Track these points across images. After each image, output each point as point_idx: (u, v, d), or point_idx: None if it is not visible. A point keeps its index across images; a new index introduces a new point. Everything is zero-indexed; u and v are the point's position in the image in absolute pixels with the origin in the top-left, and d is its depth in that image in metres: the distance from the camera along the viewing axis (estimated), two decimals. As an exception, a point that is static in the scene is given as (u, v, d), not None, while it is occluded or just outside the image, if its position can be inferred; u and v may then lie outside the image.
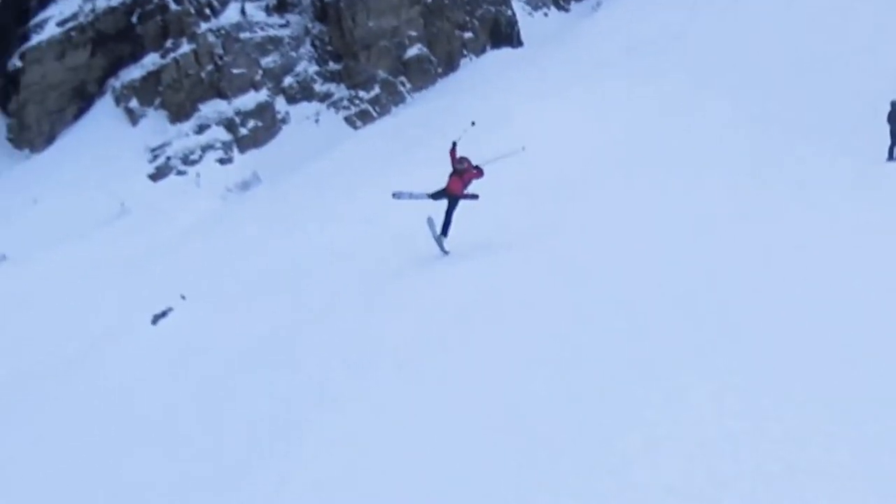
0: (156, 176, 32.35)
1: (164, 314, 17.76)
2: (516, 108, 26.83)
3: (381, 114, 36.43)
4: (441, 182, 16.40)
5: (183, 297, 18.34)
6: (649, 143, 23.13)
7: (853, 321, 9.60)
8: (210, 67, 35.24)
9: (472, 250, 15.98)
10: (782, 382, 8.22)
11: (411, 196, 16.87)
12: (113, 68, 35.69)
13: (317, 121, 36.06)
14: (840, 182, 17.89)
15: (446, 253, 16.38)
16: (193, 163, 33.07)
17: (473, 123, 17.32)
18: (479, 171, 16.45)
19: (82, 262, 23.08)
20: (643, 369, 8.95)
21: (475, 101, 28.93)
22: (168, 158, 32.93)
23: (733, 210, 15.98)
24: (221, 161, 33.53)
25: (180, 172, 32.58)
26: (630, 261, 13.16)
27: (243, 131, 34.60)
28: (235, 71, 35.49)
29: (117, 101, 34.73)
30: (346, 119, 36.53)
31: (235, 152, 34.09)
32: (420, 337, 11.92)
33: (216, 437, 11.16)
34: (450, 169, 16.39)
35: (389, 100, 37.53)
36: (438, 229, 16.43)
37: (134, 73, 35.14)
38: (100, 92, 35.36)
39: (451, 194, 16.50)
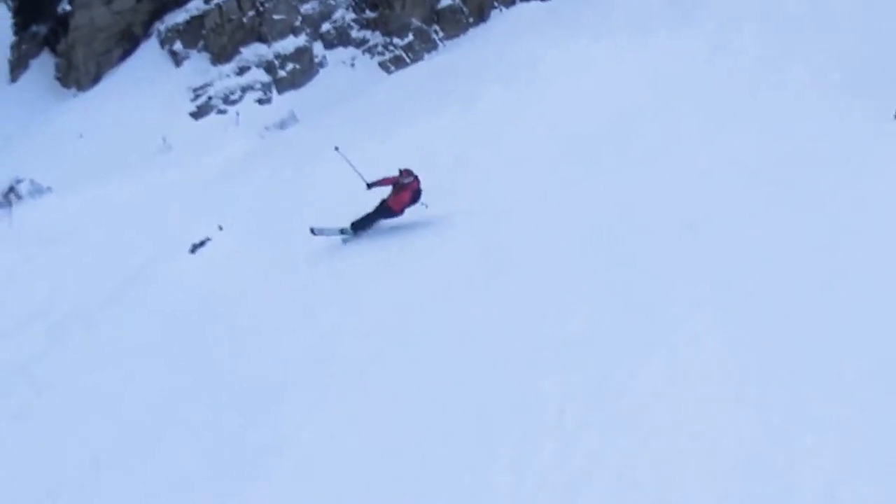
0: (197, 114, 31.35)
1: (202, 244, 17.10)
2: (540, 61, 25.51)
3: (414, 60, 35.08)
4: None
5: (220, 228, 17.58)
6: (686, 105, 21.39)
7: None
8: (251, 13, 34.02)
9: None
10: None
11: (331, 233, 15.18)
12: (158, 13, 34.50)
13: (352, 65, 34.89)
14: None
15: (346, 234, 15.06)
16: (234, 102, 32.05)
17: (337, 148, 15.57)
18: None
19: (125, 194, 22.29)
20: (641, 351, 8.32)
21: (502, 51, 27.93)
22: (209, 98, 31.89)
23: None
24: (260, 101, 32.46)
25: (221, 111, 31.59)
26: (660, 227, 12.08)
27: (282, 73, 33.46)
28: (276, 17, 34.20)
29: (162, 43, 33.67)
30: (381, 64, 35.26)
31: (274, 93, 33.01)
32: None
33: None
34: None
35: (422, 47, 36.17)
36: (352, 230, 14.96)
37: (178, 17, 33.91)
38: (145, 35, 34.30)
39: (390, 211, 14.79)
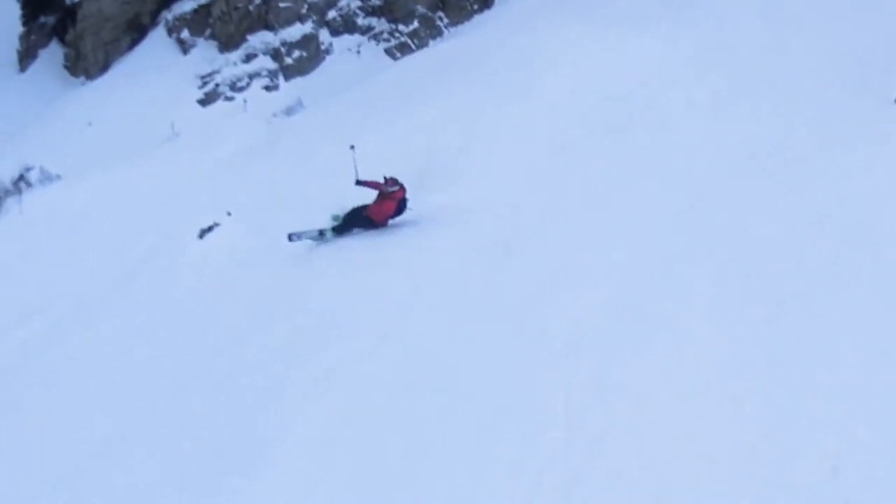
0: (205, 101, 31.18)
1: (210, 229, 17.05)
2: (541, 52, 25.25)
3: (420, 46, 34.76)
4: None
5: (229, 214, 17.49)
6: (683, 100, 21.07)
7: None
8: (258, 1, 33.78)
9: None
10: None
11: (309, 236, 14.59)
12: (165, 2, 34.47)
13: (358, 52, 34.60)
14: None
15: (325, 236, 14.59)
16: (241, 89, 31.81)
17: (352, 147, 14.68)
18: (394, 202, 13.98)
19: (134, 181, 22.22)
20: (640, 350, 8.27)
21: (504, 39, 27.66)
22: (217, 85, 31.72)
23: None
24: (267, 88, 32.21)
25: (228, 98, 31.39)
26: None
27: (289, 60, 33.21)
28: (282, 5, 33.98)
29: (169, 32, 33.64)
30: (386, 51, 34.93)
31: (281, 80, 32.75)
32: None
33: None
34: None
35: (427, 34, 35.89)
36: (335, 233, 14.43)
37: (185, 6, 33.91)
38: (153, 24, 34.28)
39: (371, 222, 14.19)
